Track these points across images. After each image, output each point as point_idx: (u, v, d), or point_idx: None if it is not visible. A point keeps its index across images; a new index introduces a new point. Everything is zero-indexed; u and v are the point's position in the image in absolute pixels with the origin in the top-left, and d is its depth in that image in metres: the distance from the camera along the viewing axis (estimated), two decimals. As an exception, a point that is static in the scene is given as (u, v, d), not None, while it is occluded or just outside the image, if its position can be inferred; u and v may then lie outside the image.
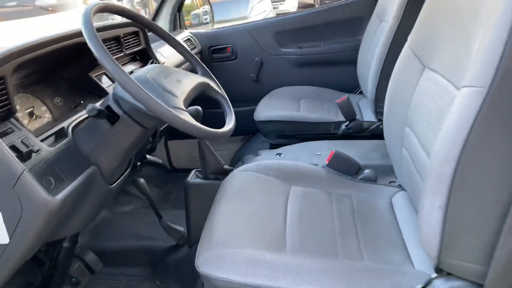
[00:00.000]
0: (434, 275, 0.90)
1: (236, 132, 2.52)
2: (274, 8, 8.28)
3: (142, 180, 1.70)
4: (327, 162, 1.38)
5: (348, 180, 1.36)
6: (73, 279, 1.55)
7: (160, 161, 1.79)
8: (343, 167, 1.38)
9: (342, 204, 1.24)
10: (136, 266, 1.71)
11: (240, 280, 0.92)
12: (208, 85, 1.25)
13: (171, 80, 1.10)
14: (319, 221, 1.15)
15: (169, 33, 1.35)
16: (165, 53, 1.90)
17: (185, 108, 1.04)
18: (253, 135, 2.47)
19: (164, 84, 1.06)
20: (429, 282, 0.90)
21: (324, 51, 2.41)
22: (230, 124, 1.18)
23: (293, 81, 2.41)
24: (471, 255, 0.82)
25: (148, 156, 1.60)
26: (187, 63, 1.97)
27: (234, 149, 2.51)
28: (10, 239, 0.95)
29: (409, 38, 1.22)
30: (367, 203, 1.25)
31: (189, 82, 1.16)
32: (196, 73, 1.34)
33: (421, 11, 1.19)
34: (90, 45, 0.94)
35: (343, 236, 1.10)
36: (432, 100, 0.99)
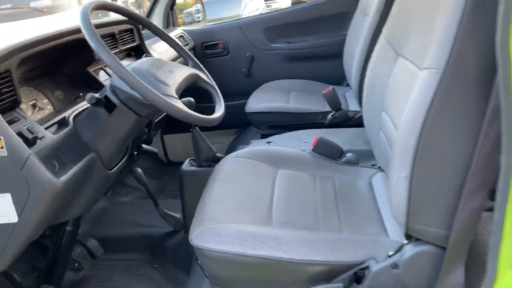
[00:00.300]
0: (405, 241, 1.00)
1: (229, 125, 2.62)
2: (267, 6, 8.37)
3: (139, 170, 1.79)
4: (312, 147, 1.48)
5: (332, 163, 1.45)
6: (76, 264, 1.64)
7: (155, 150, 1.88)
8: (327, 152, 1.48)
9: (325, 185, 1.33)
10: (135, 252, 1.79)
11: (229, 250, 1.02)
12: (199, 76, 1.34)
13: (164, 71, 1.19)
14: (303, 200, 1.24)
15: (162, 29, 1.44)
16: (159, 49, 1.99)
17: (177, 96, 1.13)
18: (246, 127, 2.56)
19: (157, 74, 1.15)
20: (400, 248, 0.99)
21: (312, 46, 2.50)
22: (219, 111, 1.27)
23: (283, 75, 2.50)
24: (435, 220, 0.92)
25: (144, 145, 1.69)
26: (181, 59, 2.06)
27: (228, 142, 2.60)
28: (18, 218, 1.04)
29: (383, 29, 1.31)
30: (349, 183, 1.35)
31: (181, 73, 1.25)
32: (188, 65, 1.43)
33: (394, 4, 1.28)
34: (88, 39, 1.03)
35: (324, 212, 1.19)
36: (403, 84, 1.08)
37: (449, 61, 0.82)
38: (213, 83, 1.39)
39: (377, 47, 1.34)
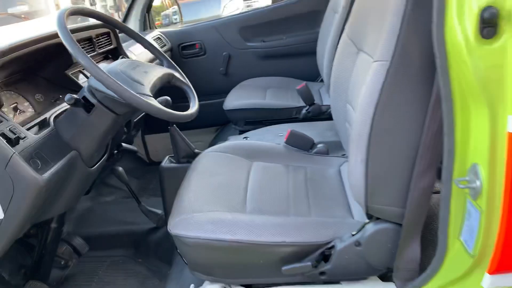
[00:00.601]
0: (367, 221, 1.08)
1: (209, 123, 2.68)
2: (247, 6, 8.42)
3: (120, 169, 1.85)
4: (285, 140, 1.56)
5: (304, 154, 1.53)
6: (62, 261, 1.69)
7: (135, 148, 1.94)
8: (299, 143, 1.56)
9: (297, 174, 1.41)
10: (119, 248, 1.86)
11: (205, 236, 1.09)
12: (173, 75, 1.41)
13: (139, 72, 1.26)
14: (276, 188, 1.32)
15: (136, 31, 1.50)
16: (136, 51, 2.05)
17: (151, 95, 1.19)
18: (225, 125, 2.63)
19: (132, 75, 1.22)
20: (362, 227, 1.08)
21: (287, 44, 2.59)
22: (193, 108, 1.33)
23: (260, 73, 2.58)
24: (390, 199, 1.00)
25: (123, 144, 1.75)
26: (158, 60, 2.12)
27: (208, 140, 2.67)
28: (4, 214, 1.10)
29: (345, 26, 1.40)
30: (319, 172, 1.43)
31: (155, 73, 1.32)
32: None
33: (355, 1, 1.37)
34: (65, 43, 1.10)
35: (295, 198, 1.27)
36: (363, 77, 1.16)
37: (395, 53, 0.91)
38: (187, 81, 1.46)
39: (341, 43, 1.43)
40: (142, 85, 1.20)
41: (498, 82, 0.78)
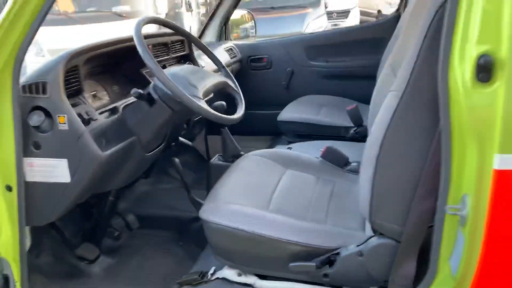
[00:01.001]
0: (372, 235, 1.18)
1: (264, 132, 2.84)
2: (335, 25, 8.51)
3: (176, 160, 2.09)
4: (321, 154, 1.68)
5: (337, 170, 1.65)
6: (115, 233, 1.94)
7: (190, 143, 2.16)
8: (334, 159, 1.67)
9: (324, 186, 1.53)
10: (165, 230, 2.08)
11: (227, 224, 1.25)
12: (227, 84, 1.61)
13: (197, 77, 1.47)
14: (301, 194, 1.45)
15: (201, 41, 1.72)
16: (206, 59, 2.27)
17: (202, 97, 1.39)
18: (280, 135, 2.78)
19: (190, 79, 1.42)
20: (367, 240, 1.18)
21: (348, 66, 2.70)
22: (238, 114, 1.51)
23: (319, 91, 2.70)
24: (392, 217, 1.10)
25: (181, 138, 1.97)
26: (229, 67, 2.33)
27: (262, 147, 2.83)
28: (71, 179, 1.34)
29: (389, 56, 1.50)
30: (346, 187, 1.54)
31: (210, 80, 1.52)
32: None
33: (400, 33, 1.47)
34: (138, 48, 1.33)
35: (316, 206, 1.39)
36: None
37: (408, 86, 1.01)
38: (239, 90, 1.65)
39: (383, 71, 1.53)
40: (197, 88, 1.40)
41: (488, 123, 0.87)
